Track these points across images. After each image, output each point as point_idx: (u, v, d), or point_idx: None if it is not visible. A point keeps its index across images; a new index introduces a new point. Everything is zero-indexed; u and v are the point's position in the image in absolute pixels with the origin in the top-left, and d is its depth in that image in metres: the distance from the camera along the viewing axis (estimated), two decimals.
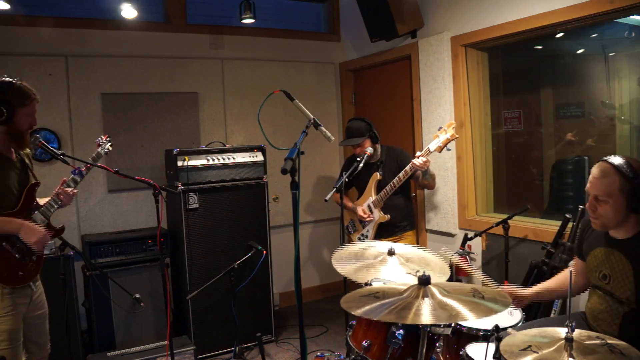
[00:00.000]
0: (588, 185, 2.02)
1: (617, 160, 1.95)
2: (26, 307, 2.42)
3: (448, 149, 3.30)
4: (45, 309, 2.57)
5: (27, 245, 2.34)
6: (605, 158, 1.99)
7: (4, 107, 2.28)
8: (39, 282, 2.55)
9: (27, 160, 2.51)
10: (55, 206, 2.48)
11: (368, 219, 3.56)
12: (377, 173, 3.53)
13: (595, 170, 1.99)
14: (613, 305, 2.04)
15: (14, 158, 2.42)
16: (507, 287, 2.33)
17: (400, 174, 3.34)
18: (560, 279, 2.34)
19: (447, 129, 3.23)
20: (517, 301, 2.28)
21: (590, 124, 3.31)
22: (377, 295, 1.75)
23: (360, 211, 3.59)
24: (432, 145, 3.25)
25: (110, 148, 2.83)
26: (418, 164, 3.23)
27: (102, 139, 2.83)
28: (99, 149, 2.78)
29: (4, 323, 2.28)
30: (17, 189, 2.39)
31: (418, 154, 3.26)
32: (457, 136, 3.26)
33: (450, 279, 3.26)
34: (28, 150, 2.54)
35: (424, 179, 3.44)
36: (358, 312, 1.65)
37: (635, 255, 1.95)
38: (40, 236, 2.35)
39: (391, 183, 3.40)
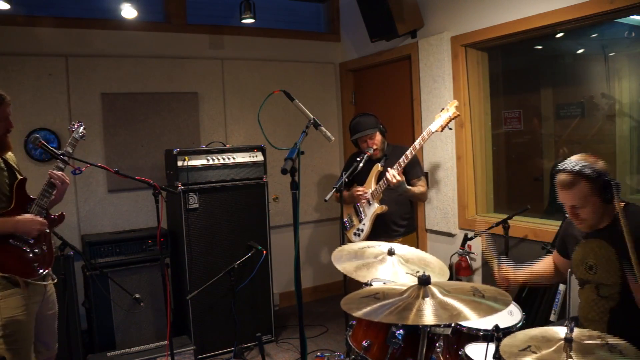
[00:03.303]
0: (559, 197, 2.08)
1: (574, 165, 2.00)
2: (39, 305, 2.44)
3: (450, 128, 3.29)
4: (55, 309, 2.60)
5: (30, 239, 2.39)
6: (562, 167, 2.04)
7: None
8: (50, 284, 2.56)
9: (10, 161, 2.50)
10: (48, 195, 2.47)
11: (363, 197, 3.48)
12: (379, 164, 3.48)
13: (560, 180, 2.05)
14: (599, 302, 2.08)
15: None
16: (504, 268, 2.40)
17: (400, 160, 3.32)
18: (545, 263, 2.46)
19: (449, 107, 3.20)
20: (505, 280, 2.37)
21: (590, 123, 3.31)
22: (377, 296, 1.75)
23: (354, 190, 3.53)
24: (434, 126, 3.22)
25: (84, 131, 2.73)
26: (388, 177, 3.24)
27: (74, 125, 2.74)
28: (74, 134, 2.68)
29: (15, 322, 2.29)
30: (8, 189, 2.41)
31: (390, 170, 3.26)
32: (459, 113, 3.22)
33: (450, 279, 3.27)
34: (11, 153, 2.53)
35: (413, 199, 3.50)
36: (358, 313, 1.64)
37: (615, 238, 2.01)
38: (37, 227, 2.39)
39: (381, 181, 3.38)
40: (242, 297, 3.81)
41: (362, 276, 2.23)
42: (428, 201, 4.04)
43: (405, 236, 3.55)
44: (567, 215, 2.68)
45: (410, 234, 3.60)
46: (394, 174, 3.23)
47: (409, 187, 3.36)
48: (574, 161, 2.02)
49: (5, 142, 2.43)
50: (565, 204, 2.07)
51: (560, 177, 2.04)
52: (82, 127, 2.73)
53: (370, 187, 3.50)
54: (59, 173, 2.50)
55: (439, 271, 2.25)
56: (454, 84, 3.76)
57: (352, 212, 3.67)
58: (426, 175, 3.97)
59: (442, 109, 3.25)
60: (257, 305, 3.94)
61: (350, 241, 3.58)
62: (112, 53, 4.01)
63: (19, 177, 2.49)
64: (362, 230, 3.54)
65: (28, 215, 2.39)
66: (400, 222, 3.53)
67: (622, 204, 2.03)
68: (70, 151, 2.62)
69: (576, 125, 3.37)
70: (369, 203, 3.51)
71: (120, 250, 3.58)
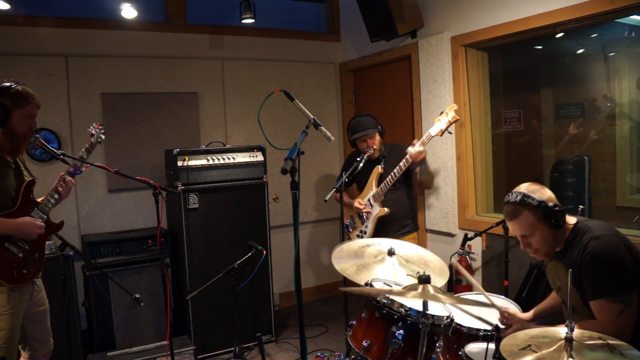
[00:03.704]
0: (510, 230, 2.15)
1: (516, 196, 2.06)
2: (26, 304, 2.44)
3: (450, 132, 3.28)
4: (46, 305, 2.60)
5: (29, 241, 2.39)
6: (506, 199, 2.11)
7: None
8: (39, 279, 2.56)
9: (19, 161, 2.52)
10: (53, 201, 2.50)
11: (365, 210, 3.54)
12: (379, 166, 3.50)
13: (505, 214, 2.12)
14: (577, 319, 2.06)
15: (9, 159, 2.43)
16: (507, 310, 2.27)
17: (401, 163, 3.31)
18: (554, 296, 2.38)
19: (448, 111, 3.20)
20: (514, 323, 2.19)
21: (590, 123, 3.30)
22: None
23: (356, 203, 3.57)
24: (434, 130, 3.22)
25: (104, 137, 2.79)
26: (411, 152, 3.20)
27: (94, 127, 2.79)
28: (92, 139, 2.74)
29: (2, 322, 2.29)
30: (15, 188, 2.41)
31: (415, 141, 3.25)
32: (459, 118, 3.22)
33: (450, 280, 3.27)
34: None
35: (421, 175, 3.41)
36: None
37: (567, 261, 2.04)
38: (36, 230, 2.40)
39: (391, 174, 3.37)
40: (242, 297, 3.81)
41: (362, 279, 2.23)
42: (428, 201, 4.04)
43: (408, 235, 3.56)
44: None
45: (413, 232, 3.61)
46: (418, 150, 3.20)
47: (427, 165, 3.38)
48: (515, 192, 2.08)
49: (24, 144, 2.46)
50: (517, 235, 2.12)
51: (505, 209, 2.11)
52: (102, 132, 2.78)
53: (371, 189, 3.51)
54: (70, 180, 2.54)
55: (439, 271, 2.25)
56: (454, 84, 3.76)
57: (354, 214, 3.68)
58: None
59: (442, 113, 3.25)
60: (257, 305, 3.94)
61: None
62: (112, 53, 4.01)
63: (26, 178, 2.49)
64: (365, 232, 3.56)
65: (27, 218, 2.39)
66: (403, 221, 3.55)
67: (573, 222, 2.08)
68: (85, 157, 2.65)
69: (576, 126, 3.36)
70: (370, 205, 3.52)
71: (120, 250, 3.58)
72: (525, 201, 2.02)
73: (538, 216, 2.01)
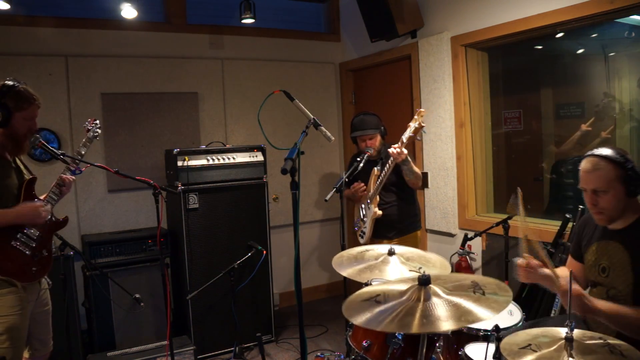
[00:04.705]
0: (582, 181, 2.03)
1: (602, 151, 1.98)
2: (33, 304, 2.45)
3: (418, 139, 3.22)
4: (49, 306, 2.62)
5: (35, 228, 2.40)
6: (590, 153, 2.02)
7: (1, 109, 2.29)
8: (45, 278, 2.58)
9: (19, 160, 2.53)
10: (56, 198, 2.50)
11: (361, 192, 3.50)
12: (375, 168, 3.48)
13: (586, 164, 2.01)
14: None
15: (9, 158, 2.43)
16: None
17: (387, 165, 3.31)
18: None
19: (416, 117, 3.15)
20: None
21: (601, 124, 3.28)
22: (378, 299, 1.69)
23: (354, 185, 3.53)
24: (404, 136, 3.19)
25: (99, 131, 2.79)
26: (391, 152, 3.16)
27: (89, 122, 2.78)
28: (89, 134, 2.74)
29: (11, 321, 2.29)
30: (17, 187, 2.42)
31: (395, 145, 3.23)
32: (424, 124, 3.12)
33: None
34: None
35: (406, 175, 3.38)
36: (359, 321, 1.59)
37: (632, 243, 1.96)
38: (41, 213, 2.39)
39: (381, 174, 3.36)
40: (242, 297, 3.81)
41: (365, 278, 2.22)
42: (428, 201, 4.04)
43: (410, 233, 3.53)
44: (582, 210, 2.57)
45: (415, 230, 3.58)
46: (398, 151, 3.13)
47: (411, 165, 3.32)
48: (603, 148, 1.99)
49: (25, 144, 2.46)
50: (587, 190, 2.01)
51: (586, 159, 2.01)
52: (98, 127, 2.77)
53: (370, 190, 3.51)
54: (70, 177, 2.54)
55: (440, 267, 2.24)
56: (454, 84, 3.76)
57: (359, 215, 3.68)
58: (426, 175, 3.99)
59: (412, 119, 3.19)
60: (257, 305, 3.94)
61: (357, 242, 3.58)
62: (112, 53, 4.01)
63: (26, 177, 2.50)
64: (364, 233, 3.56)
65: (26, 203, 2.38)
66: (405, 220, 3.52)
67: None
68: (83, 152, 2.65)
69: (589, 123, 3.30)
70: (368, 207, 3.52)
71: (120, 250, 3.58)
72: (611, 156, 1.95)
73: (619, 175, 1.93)
